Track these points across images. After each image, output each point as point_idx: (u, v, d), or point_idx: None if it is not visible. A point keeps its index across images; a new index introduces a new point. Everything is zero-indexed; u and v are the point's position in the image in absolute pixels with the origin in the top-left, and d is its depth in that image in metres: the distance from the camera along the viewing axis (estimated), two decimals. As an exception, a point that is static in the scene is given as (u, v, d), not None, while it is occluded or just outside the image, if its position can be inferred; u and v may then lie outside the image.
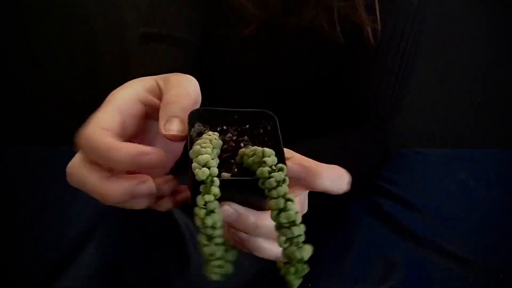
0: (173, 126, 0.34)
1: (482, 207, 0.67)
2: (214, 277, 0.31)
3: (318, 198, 0.40)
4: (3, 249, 0.58)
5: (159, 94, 0.37)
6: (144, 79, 0.38)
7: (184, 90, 0.36)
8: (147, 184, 0.35)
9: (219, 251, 0.31)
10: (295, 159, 0.36)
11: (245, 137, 0.37)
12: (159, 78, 0.38)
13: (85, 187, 0.34)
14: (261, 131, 0.37)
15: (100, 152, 0.33)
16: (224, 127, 0.37)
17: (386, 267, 0.53)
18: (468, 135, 1.34)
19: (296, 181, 0.35)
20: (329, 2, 0.70)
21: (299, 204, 0.37)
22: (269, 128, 0.37)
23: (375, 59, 0.73)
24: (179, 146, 0.40)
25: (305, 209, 0.39)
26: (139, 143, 0.34)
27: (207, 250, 0.31)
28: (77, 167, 0.34)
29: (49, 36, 1.17)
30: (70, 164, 0.34)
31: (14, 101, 1.23)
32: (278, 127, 0.37)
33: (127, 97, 0.36)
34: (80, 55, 1.19)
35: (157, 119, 0.36)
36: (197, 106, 0.37)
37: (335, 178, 0.36)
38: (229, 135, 0.37)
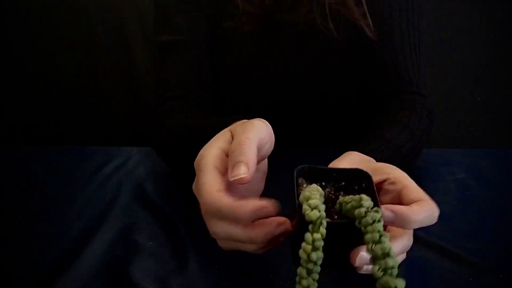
0: (237, 172, 0.37)
1: (481, 207, 0.67)
2: None
3: None
4: (4, 248, 0.59)
5: None
6: (223, 134, 0.43)
7: (245, 135, 0.40)
8: (285, 226, 0.38)
9: (313, 286, 0.34)
10: (387, 206, 0.39)
11: (341, 192, 0.41)
12: (232, 128, 0.43)
13: (232, 237, 0.39)
14: (356, 187, 0.41)
15: (226, 214, 0.37)
16: (323, 183, 0.41)
17: (386, 267, 0.53)
18: (468, 135, 1.34)
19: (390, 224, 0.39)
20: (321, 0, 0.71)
21: (405, 241, 0.42)
22: (363, 185, 0.41)
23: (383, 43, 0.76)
24: (259, 186, 0.45)
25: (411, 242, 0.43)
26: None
27: (305, 283, 0.34)
28: (219, 225, 0.38)
29: (48, 36, 1.17)
30: (213, 229, 0.39)
31: (14, 101, 1.23)
32: (374, 183, 0.40)
33: (217, 154, 0.41)
34: (80, 56, 1.19)
35: None
36: (265, 145, 0.42)
37: (425, 218, 0.40)
38: (327, 190, 0.41)
